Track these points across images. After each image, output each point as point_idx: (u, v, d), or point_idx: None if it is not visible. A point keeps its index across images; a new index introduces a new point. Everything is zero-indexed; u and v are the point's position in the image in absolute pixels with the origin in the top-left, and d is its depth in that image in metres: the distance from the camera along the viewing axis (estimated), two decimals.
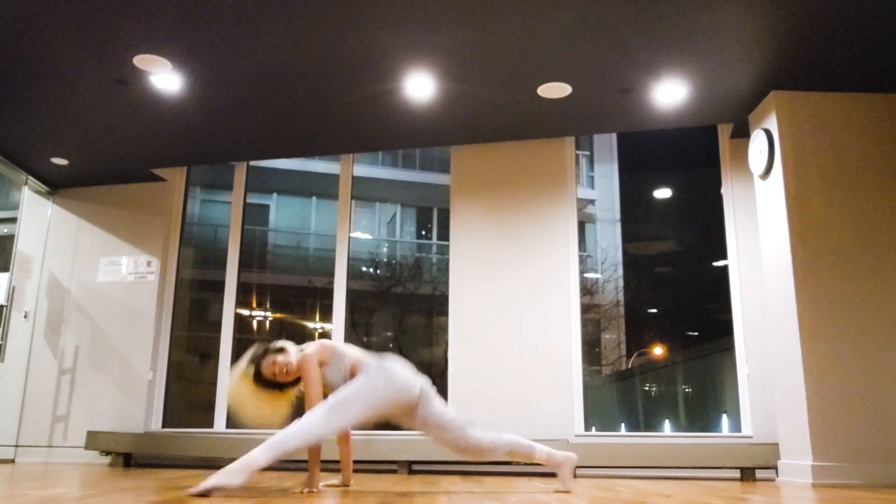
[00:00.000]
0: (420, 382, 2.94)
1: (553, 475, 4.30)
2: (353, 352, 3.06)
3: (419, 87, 4.21)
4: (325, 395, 2.90)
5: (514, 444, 2.98)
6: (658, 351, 5.59)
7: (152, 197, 5.71)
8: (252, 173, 5.79)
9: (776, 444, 4.07)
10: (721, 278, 4.77)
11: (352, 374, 2.94)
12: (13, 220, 5.84)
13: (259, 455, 2.54)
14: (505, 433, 3.00)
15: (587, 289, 5.45)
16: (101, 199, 5.79)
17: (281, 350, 3.00)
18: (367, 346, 5.88)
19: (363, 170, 5.81)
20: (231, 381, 3.05)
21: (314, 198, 6.95)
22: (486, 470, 3.34)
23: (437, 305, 5.81)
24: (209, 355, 5.57)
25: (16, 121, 4.70)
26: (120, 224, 5.71)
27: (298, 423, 2.69)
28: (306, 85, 4.20)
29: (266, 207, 6.87)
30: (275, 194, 6.85)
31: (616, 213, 5.88)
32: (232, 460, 2.52)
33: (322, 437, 2.72)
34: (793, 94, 4.13)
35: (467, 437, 2.92)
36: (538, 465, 3.07)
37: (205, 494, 2.46)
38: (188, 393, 5.73)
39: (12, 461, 5.29)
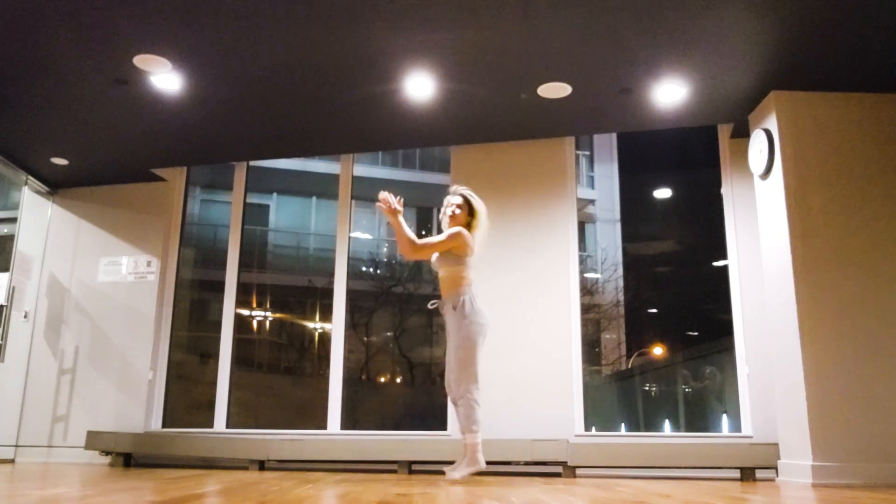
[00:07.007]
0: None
1: (556, 475, 4.30)
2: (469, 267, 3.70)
3: (419, 87, 4.20)
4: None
5: (474, 418, 3.50)
6: (658, 351, 5.59)
7: (152, 197, 5.71)
8: (252, 173, 5.79)
9: (776, 444, 4.07)
10: (721, 278, 4.77)
11: (453, 278, 3.63)
12: (13, 220, 5.84)
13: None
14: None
15: (587, 289, 5.44)
16: (101, 199, 5.79)
17: (467, 214, 3.78)
18: (367, 345, 5.88)
19: (363, 170, 5.80)
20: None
21: (314, 198, 6.94)
22: (486, 470, 3.35)
23: None
24: (209, 355, 5.57)
25: (16, 121, 4.70)
26: (120, 224, 5.71)
27: (464, 406, 3.48)
28: (306, 85, 4.20)
29: (266, 207, 6.86)
30: (275, 194, 6.84)
31: (616, 213, 5.87)
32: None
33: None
34: (793, 94, 4.13)
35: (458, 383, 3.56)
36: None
37: None
38: (188, 393, 5.72)
39: (12, 461, 5.29)
